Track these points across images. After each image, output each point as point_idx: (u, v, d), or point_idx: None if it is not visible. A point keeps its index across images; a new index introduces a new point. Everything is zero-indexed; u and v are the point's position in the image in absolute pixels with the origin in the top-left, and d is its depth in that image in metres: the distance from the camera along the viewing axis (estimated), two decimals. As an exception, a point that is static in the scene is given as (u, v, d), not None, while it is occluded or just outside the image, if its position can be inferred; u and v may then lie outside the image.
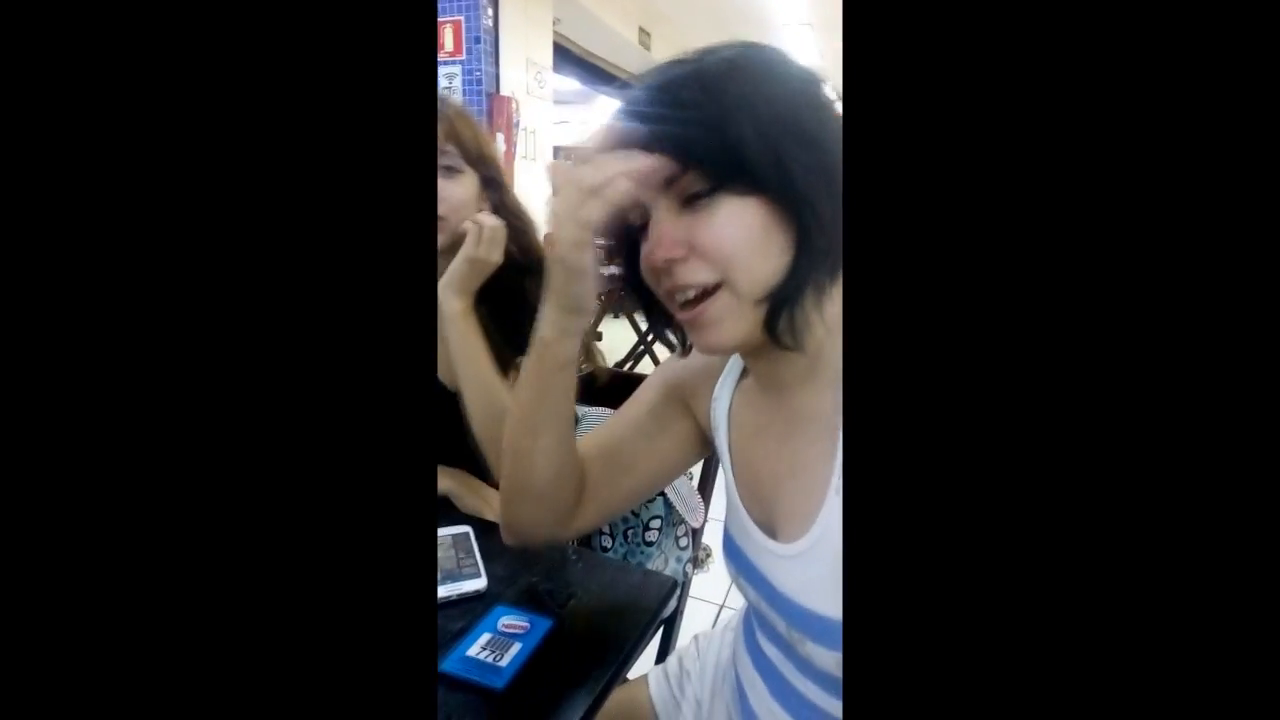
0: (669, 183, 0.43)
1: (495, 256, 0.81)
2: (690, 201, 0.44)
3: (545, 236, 0.47)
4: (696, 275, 0.44)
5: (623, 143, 0.43)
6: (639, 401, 0.63)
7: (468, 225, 0.80)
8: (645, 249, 0.46)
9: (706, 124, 0.42)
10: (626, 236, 0.48)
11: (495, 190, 0.88)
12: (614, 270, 0.54)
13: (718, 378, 0.59)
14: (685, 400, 0.62)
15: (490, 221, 0.81)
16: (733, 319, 0.44)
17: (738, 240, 0.43)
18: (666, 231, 0.44)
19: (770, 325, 0.44)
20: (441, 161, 0.82)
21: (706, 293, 0.44)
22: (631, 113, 0.44)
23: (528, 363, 0.52)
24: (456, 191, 0.84)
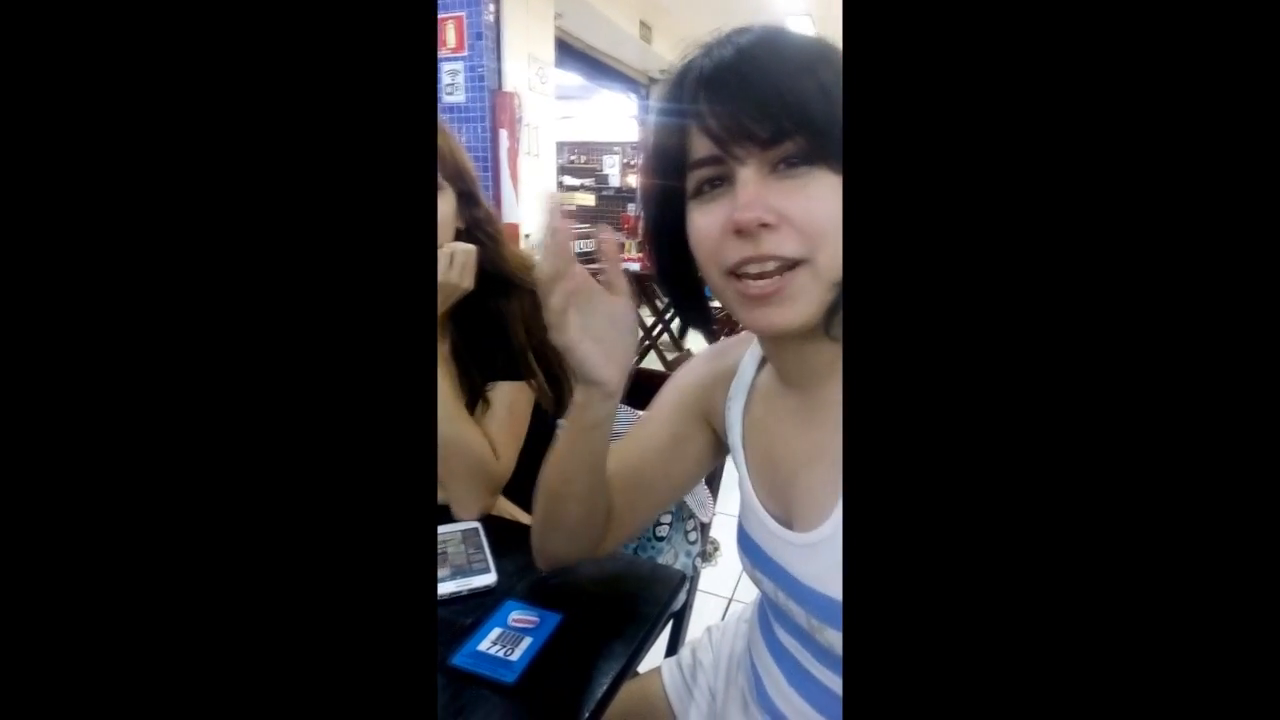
0: (767, 144, 0.41)
1: (466, 283, 0.78)
2: (782, 170, 0.42)
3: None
4: (783, 247, 0.41)
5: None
6: (654, 419, 0.63)
7: (440, 251, 0.78)
8: (722, 214, 0.42)
9: (825, 92, 0.40)
10: (672, 208, 0.47)
11: (470, 205, 0.84)
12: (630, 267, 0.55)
13: (731, 379, 0.59)
14: (699, 408, 0.62)
15: (463, 248, 0.78)
16: (806, 299, 0.42)
17: (832, 218, 0.41)
18: (758, 195, 0.41)
19: (831, 313, 0.43)
20: None
21: (785, 268, 0.42)
22: (727, 76, 0.42)
23: (567, 416, 0.54)
24: (438, 209, 0.80)
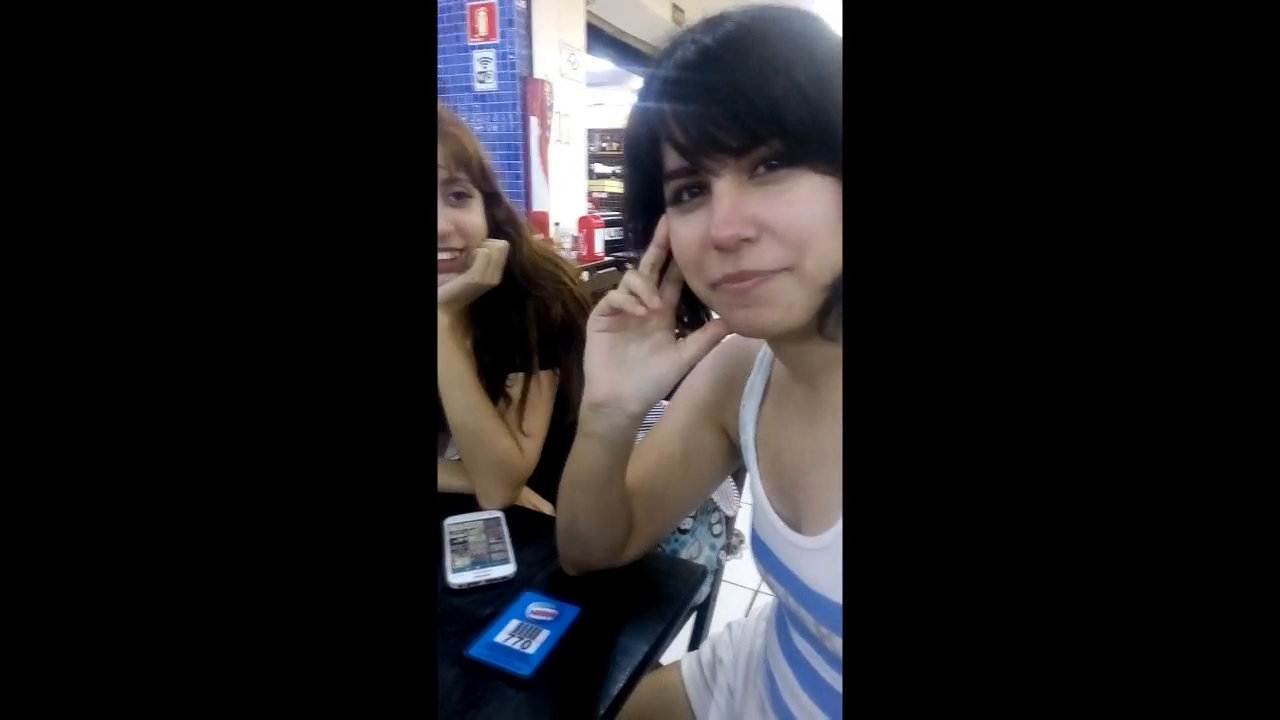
0: (739, 153, 0.38)
1: (495, 279, 0.79)
2: (761, 174, 0.39)
3: None
4: (765, 260, 0.39)
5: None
6: (668, 426, 0.62)
7: (478, 251, 0.78)
8: (701, 226, 0.40)
9: (800, 90, 0.37)
10: (654, 216, 0.45)
11: (494, 205, 0.84)
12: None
13: (746, 379, 0.58)
14: (713, 413, 0.60)
15: (498, 245, 0.79)
16: (790, 301, 0.40)
17: (817, 222, 0.38)
18: (735, 206, 0.38)
19: (824, 314, 0.41)
20: (453, 189, 0.78)
21: (770, 274, 0.39)
22: (690, 82, 0.39)
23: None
24: (473, 219, 0.80)
